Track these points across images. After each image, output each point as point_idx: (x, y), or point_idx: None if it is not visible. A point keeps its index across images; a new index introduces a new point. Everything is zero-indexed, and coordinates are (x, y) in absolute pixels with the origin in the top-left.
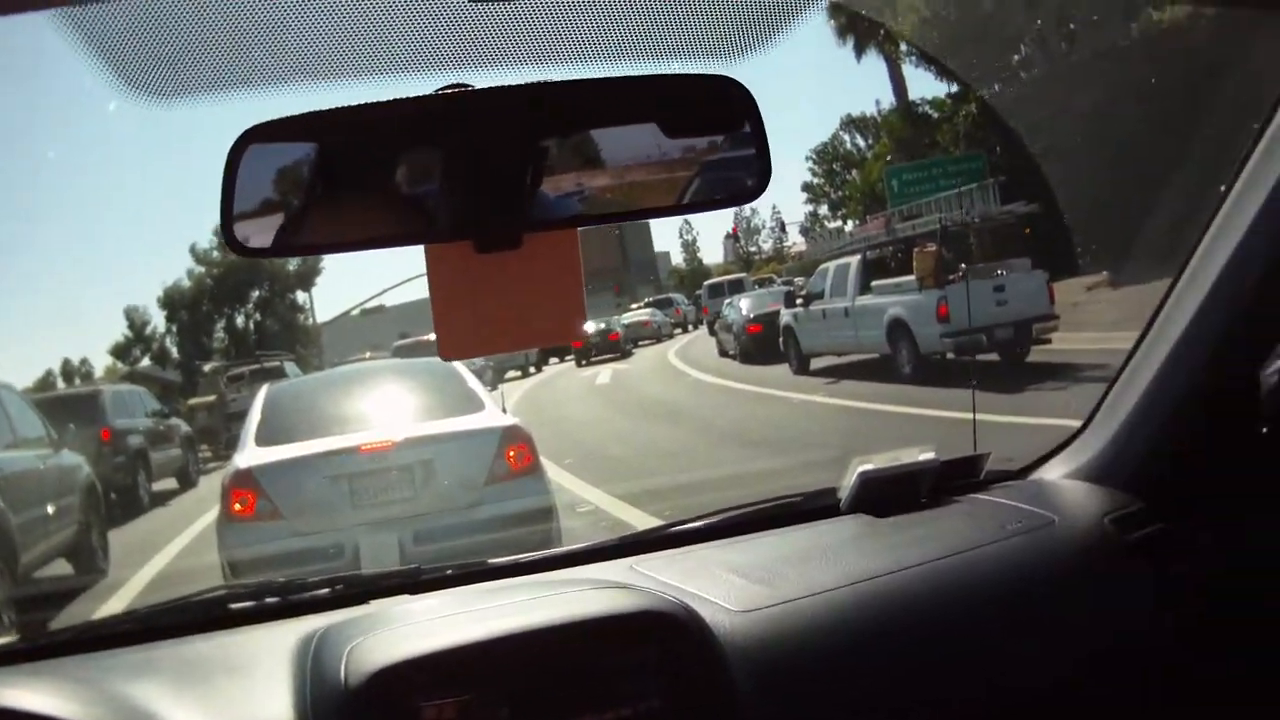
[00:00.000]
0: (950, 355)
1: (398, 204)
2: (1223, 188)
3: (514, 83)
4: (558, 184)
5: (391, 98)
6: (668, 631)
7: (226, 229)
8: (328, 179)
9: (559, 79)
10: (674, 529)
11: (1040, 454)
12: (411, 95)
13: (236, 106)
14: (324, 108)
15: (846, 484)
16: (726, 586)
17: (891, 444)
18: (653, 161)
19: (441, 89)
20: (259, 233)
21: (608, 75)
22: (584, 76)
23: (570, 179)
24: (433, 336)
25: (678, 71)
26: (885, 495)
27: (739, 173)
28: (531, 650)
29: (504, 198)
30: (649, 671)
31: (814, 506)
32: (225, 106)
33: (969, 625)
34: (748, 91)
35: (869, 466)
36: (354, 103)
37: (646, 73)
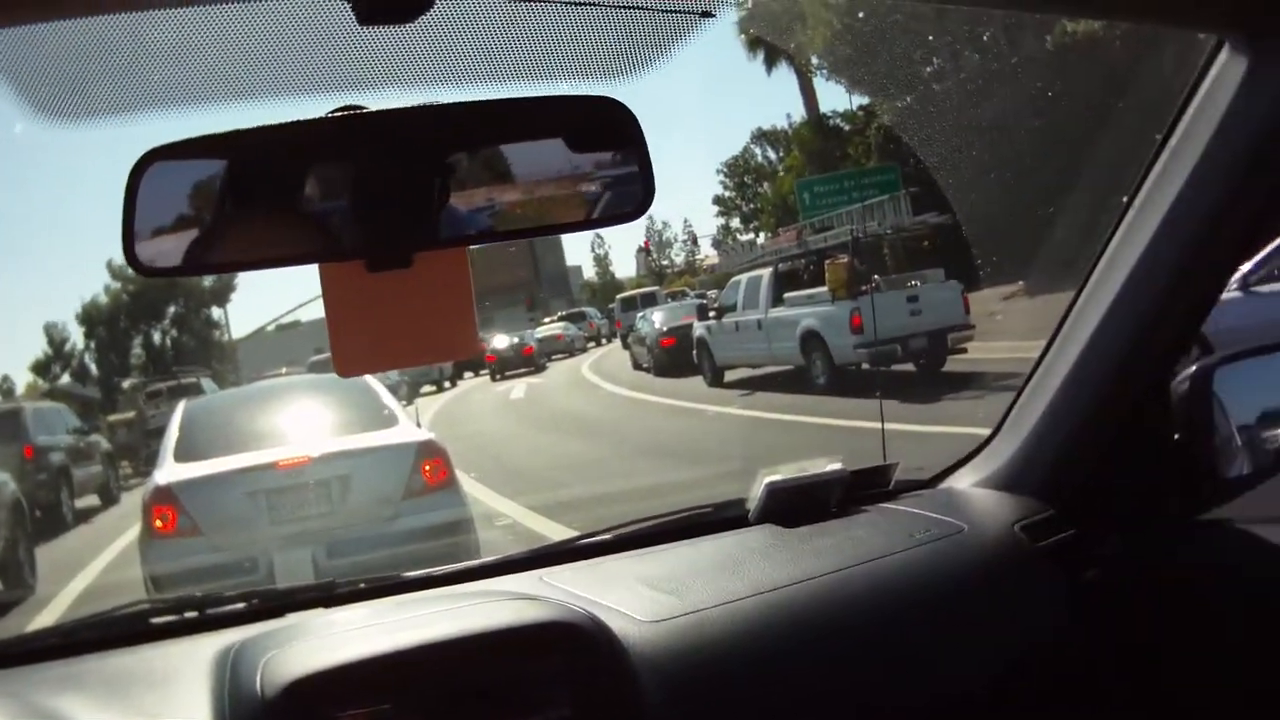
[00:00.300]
0: (865, 366)
1: (291, 224)
2: (1125, 198)
3: (406, 105)
4: (447, 204)
5: (286, 120)
6: (575, 642)
7: (127, 248)
8: (223, 200)
9: (449, 101)
10: (584, 541)
11: (950, 463)
12: (305, 118)
13: (141, 128)
14: (221, 130)
15: (754, 495)
16: (635, 597)
17: (806, 455)
18: (540, 181)
19: (334, 111)
20: (157, 252)
21: (496, 97)
22: (473, 98)
23: (459, 199)
24: None
25: (569, 93)
26: (793, 506)
27: (624, 191)
28: (442, 661)
29: (394, 218)
30: (558, 681)
31: (723, 518)
32: (132, 128)
33: (877, 634)
34: (630, 112)
35: (776, 478)
36: (250, 125)
37: (539, 94)
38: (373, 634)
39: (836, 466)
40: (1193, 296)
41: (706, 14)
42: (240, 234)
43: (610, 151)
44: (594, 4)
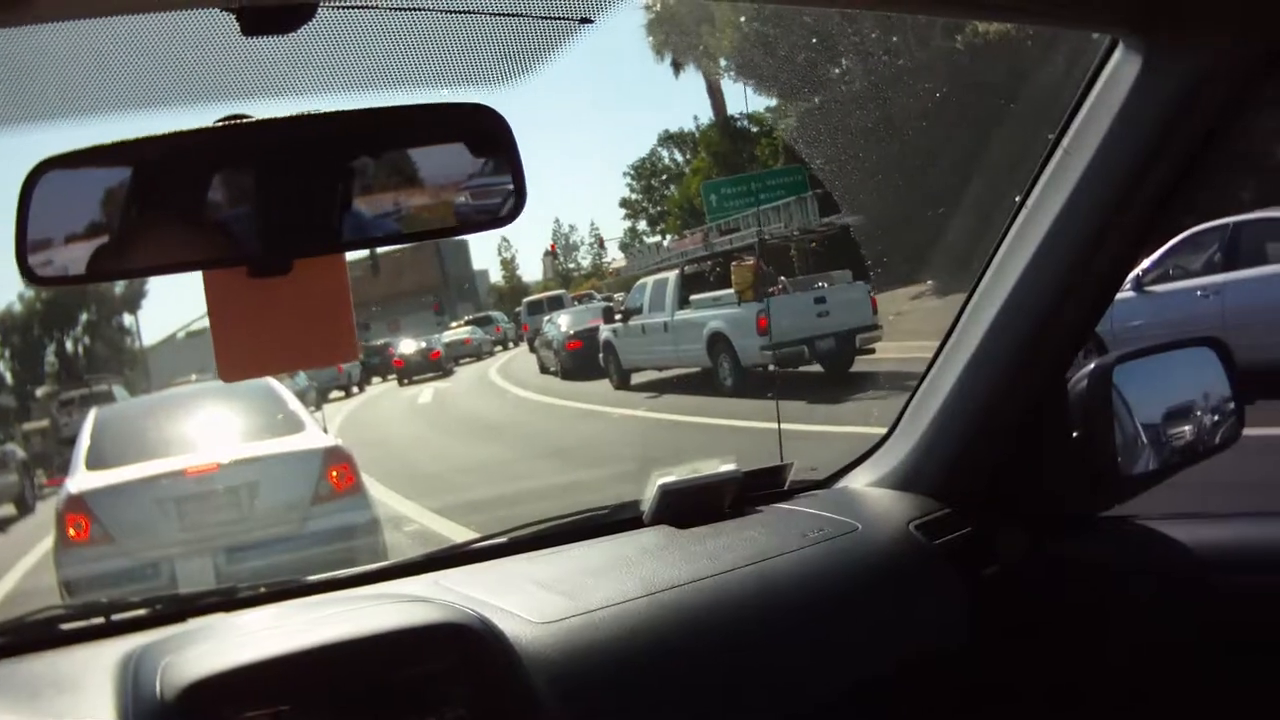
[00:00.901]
0: (772, 367)
1: (175, 232)
2: (1018, 197)
3: (291, 113)
4: (328, 211)
5: (171, 129)
6: (465, 643)
7: (20, 257)
8: (111, 209)
9: (333, 109)
10: (480, 544)
11: (845, 463)
12: (189, 127)
13: (30, 138)
14: (110, 140)
15: (648, 497)
16: (527, 598)
17: (709, 456)
18: (415, 187)
19: (219, 120)
20: (49, 261)
21: (378, 105)
22: (357, 106)
23: (335, 206)
24: None
25: (451, 100)
26: (687, 507)
27: (496, 195)
28: (338, 662)
29: (272, 225)
30: (452, 682)
31: (618, 519)
32: (19, 138)
33: (771, 633)
34: (503, 118)
35: (669, 479)
36: (137, 135)
37: (422, 101)
38: (271, 637)
39: (730, 467)
40: (1087, 295)
41: (586, 20)
42: (127, 242)
43: (484, 157)
44: (471, 12)
